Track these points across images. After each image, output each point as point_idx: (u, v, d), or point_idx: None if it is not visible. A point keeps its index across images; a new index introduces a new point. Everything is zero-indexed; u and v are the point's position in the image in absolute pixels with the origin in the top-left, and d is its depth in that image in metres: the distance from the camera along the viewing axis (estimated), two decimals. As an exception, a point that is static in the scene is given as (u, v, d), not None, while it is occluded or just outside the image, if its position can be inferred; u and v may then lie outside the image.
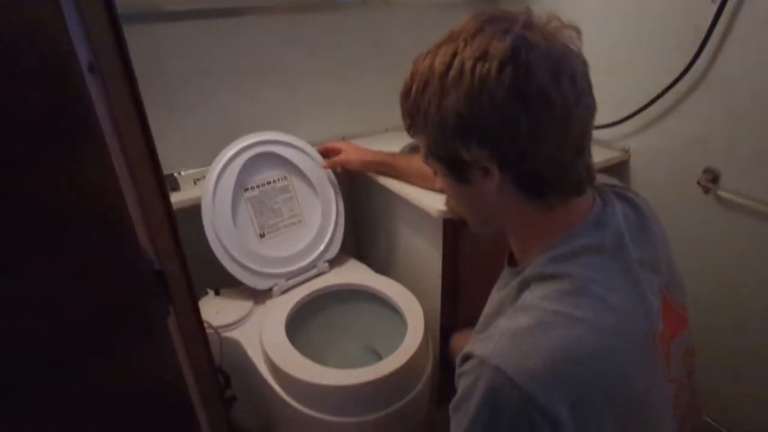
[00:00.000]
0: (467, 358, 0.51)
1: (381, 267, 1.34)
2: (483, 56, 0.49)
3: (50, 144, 0.35)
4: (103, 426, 0.48)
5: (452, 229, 1.07)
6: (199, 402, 0.65)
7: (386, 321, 1.15)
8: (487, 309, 0.65)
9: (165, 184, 0.49)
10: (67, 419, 0.45)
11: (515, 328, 0.49)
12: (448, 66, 0.51)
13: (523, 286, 0.55)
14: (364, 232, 1.53)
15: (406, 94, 0.57)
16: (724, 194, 1.11)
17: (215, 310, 1.13)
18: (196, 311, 0.55)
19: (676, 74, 1.12)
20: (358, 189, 1.45)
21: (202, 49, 1.16)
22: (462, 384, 0.51)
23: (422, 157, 0.61)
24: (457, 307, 1.19)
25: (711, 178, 1.13)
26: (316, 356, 0.98)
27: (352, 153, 1.22)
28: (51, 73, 0.33)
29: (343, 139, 1.45)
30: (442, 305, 1.16)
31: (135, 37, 1.04)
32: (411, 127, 0.59)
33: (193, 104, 1.21)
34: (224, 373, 1.11)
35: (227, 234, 1.10)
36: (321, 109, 1.40)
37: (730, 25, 1.03)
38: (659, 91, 1.16)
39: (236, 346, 1.08)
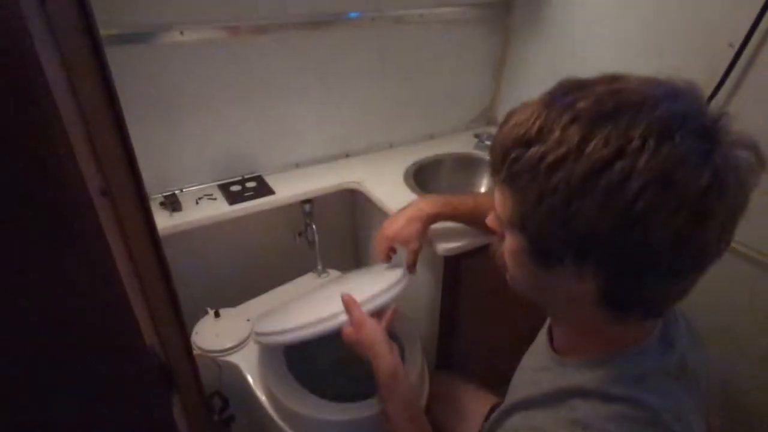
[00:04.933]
0: None
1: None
2: (665, 182, 0.39)
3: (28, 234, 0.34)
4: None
5: (453, 268, 1.07)
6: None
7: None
8: (525, 388, 0.60)
9: (169, 273, 0.49)
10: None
11: None
12: (607, 165, 0.39)
13: (578, 393, 0.50)
14: (367, 255, 1.53)
15: (521, 144, 0.44)
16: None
17: (215, 333, 1.14)
18: (201, 399, 0.56)
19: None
20: (362, 210, 1.45)
21: (206, 66, 1.14)
22: None
23: (498, 215, 0.51)
24: (453, 340, 1.20)
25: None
26: (315, 381, 0.99)
27: (412, 242, 0.95)
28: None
29: (347, 156, 1.44)
30: (439, 337, 1.18)
31: (139, 55, 1.05)
32: (504, 181, 0.47)
33: (196, 120, 1.19)
34: (223, 396, 1.13)
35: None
36: (325, 125, 1.38)
37: (746, 71, 1.02)
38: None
39: (235, 371, 1.09)
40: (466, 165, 1.44)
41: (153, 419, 0.45)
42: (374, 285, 0.91)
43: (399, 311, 0.90)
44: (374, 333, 0.81)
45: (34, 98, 0.30)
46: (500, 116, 1.62)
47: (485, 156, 1.43)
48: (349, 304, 0.84)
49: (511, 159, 0.45)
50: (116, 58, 1.02)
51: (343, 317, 0.85)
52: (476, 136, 1.48)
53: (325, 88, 1.32)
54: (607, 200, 0.40)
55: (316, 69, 1.28)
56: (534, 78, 1.48)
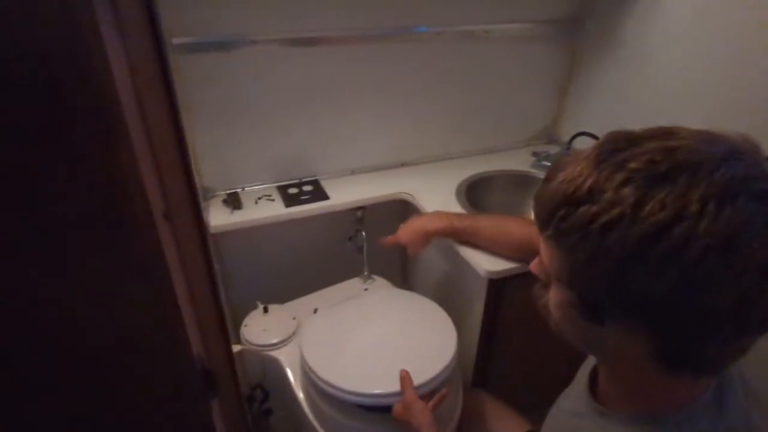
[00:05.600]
0: None
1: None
2: (727, 247, 0.38)
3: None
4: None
5: (497, 290, 1.07)
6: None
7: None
8: (559, 427, 0.61)
9: (217, 286, 0.53)
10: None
11: None
12: (664, 229, 0.38)
13: None
14: (413, 265, 1.55)
15: (570, 202, 0.43)
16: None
17: (262, 328, 1.20)
18: (239, 402, 0.60)
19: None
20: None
21: (274, 74, 1.20)
22: None
23: (545, 266, 0.51)
24: (491, 360, 1.19)
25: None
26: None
27: (410, 245, 1.11)
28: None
29: (403, 165, 1.46)
30: (477, 356, 1.17)
31: (213, 62, 1.12)
32: (551, 237, 0.46)
33: (262, 123, 1.25)
34: (264, 389, 1.20)
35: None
36: (383, 134, 1.40)
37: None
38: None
39: (278, 366, 1.15)
40: (520, 183, 1.42)
41: (193, 422, 0.49)
42: (430, 365, 0.97)
43: (448, 395, 0.97)
44: (421, 416, 0.87)
45: (108, 123, 0.35)
46: (562, 135, 1.58)
47: (542, 175, 1.40)
48: (404, 382, 0.92)
49: (559, 216, 0.44)
50: (191, 63, 1.10)
51: (397, 397, 0.92)
52: (534, 154, 1.45)
53: (385, 99, 1.35)
54: (664, 264, 0.39)
55: (379, 79, 1.31)
56: (600, 99, 1.43)
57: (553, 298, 0.52)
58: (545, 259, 0.50)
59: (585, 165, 0.44)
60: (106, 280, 0.38)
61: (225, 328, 0.54)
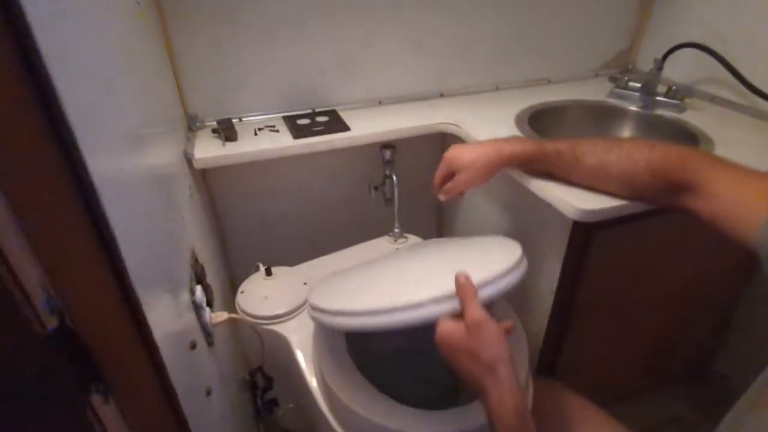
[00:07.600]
0: None
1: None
2: None
3: None
4: None
5: (582, 239, 0.77)
6: None
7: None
8: None
9: (81, 164, 0.24)
10: None
11: None
12: None
13: None
14: (455, 221, 1.25)
15: None
16: None
17: (263, 295, 0.92)
18: (171, 403, 0.31)
19: None
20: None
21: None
22: None
23: None
24: (565, 339, 0.90)
25: None
26: (379, 372, 0.74)
27: (470, 169, 0.76)
28: None
29: (441, 96, 1.16)
30: (547, 331, 0.88)
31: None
32: None
33: (264, 39, 0.96)
34: (266, 375, 0.92)
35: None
36: (417, 56, 1.10)
37: None
38: None
39: (284, 345, 0.87)
40: (596, 116, 1.11)
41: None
42: (485, 264, 0.62)
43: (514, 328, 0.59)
44: (498, 345, 0.52)
45: None
46: (640, 63, 1.26)
47: (624, 105, 1.08)
48: (464, 291, 0.55)
49: None
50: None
51: (445, 306, 0.56)
52: (613, 79, 1.13)
53: (421, 10, 1.04)
54: None
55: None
56: (700, 11, 1.10)
57: None
58: None
59: None
60: None
61: (122, 275, 0.25)
